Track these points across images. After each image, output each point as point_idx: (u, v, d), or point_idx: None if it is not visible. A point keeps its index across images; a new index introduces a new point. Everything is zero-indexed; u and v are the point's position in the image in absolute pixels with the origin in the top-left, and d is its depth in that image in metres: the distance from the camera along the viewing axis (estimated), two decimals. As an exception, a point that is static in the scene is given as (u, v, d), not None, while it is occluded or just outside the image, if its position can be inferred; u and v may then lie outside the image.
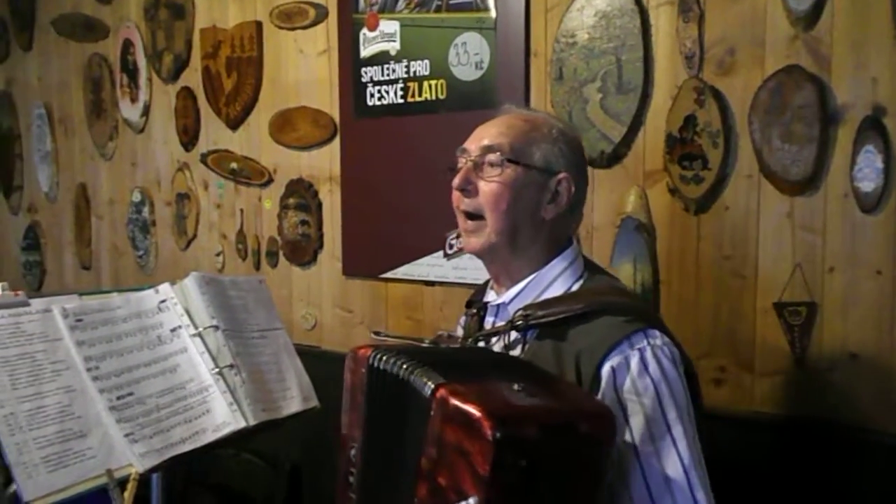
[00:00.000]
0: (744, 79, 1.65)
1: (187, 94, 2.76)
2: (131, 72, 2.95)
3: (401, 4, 2.18)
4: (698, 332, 1.71)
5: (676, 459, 1.12)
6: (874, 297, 1.52)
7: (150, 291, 1.54)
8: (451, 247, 2.13)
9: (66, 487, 1.24)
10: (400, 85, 2.20)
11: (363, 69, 2.27)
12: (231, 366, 1.50)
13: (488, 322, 1.36)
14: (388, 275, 2.27)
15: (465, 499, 0.95)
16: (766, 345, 1.64)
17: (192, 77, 2.75)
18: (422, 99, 2.16)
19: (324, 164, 2.42)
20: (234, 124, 2.63)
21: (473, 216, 1.30)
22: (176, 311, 1.53)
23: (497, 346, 1.29)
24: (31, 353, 1.32)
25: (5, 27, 3.44)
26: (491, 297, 1.38)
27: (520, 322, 1.23)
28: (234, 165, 2.64)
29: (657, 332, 1.19)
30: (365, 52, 2.27)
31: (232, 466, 2.40)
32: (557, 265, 1.31)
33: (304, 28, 2.42)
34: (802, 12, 1.56)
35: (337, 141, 2.37)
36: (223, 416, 1.45)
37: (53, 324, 1.37)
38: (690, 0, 1.69)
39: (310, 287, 2.49)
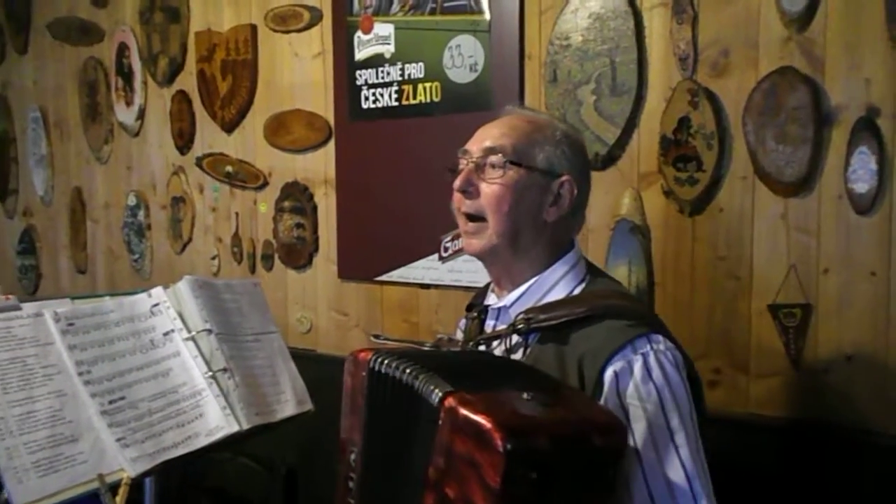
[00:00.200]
0: (738, 80, 1.65)
1: (182, 97, 2.76)
2: (126, 75, 2.95)
3: (395, 7, 2.18)
4: (693, 333, 1.71)
5: (679, 466, 1.11)
6: (868, 298, 1.52)
7: (143, 295, 1.53)
8: (446, 249, 2.12)
9: (57, 492, 1.23)
10: (394, 88, 2.20)
11: (358, 72, 2.27)
12: (224, 369, 1.49)
13: (489, 325, 1.36)
14: (384, 278, 2.26)
15: None
16: (761, 346, 1.64)
17: (187, 80, 2.75)
18: (416, 102, 2.16)
19: (319, 167, 2.42)
20: (229, 127, 2.63)
21: (474, 218, 1.29)
22: (169, 315, 1.52)
23: (498, 349, 1.28)
24: (22, 358, 1.31)
25: (1, 31, 3.43)
26: (492, 300, 1.37)
27: (521, 326, 1.22)
28: (229, 169, 2.64)
29: (660, 337, 1.19)
30: (359, 55, 2.26)
31: (228, 470, 2.39)
32: (559, 268, 1.30)
33: (299, 31, 2.42)
34: (796, 14, 1.56)
35: (332, 144, 2.37)
36: (216, 420, 1.44)
37: (45, 328, 1.36)
38: (684, 2, 1.69)
39: (305, 290, 2.48)
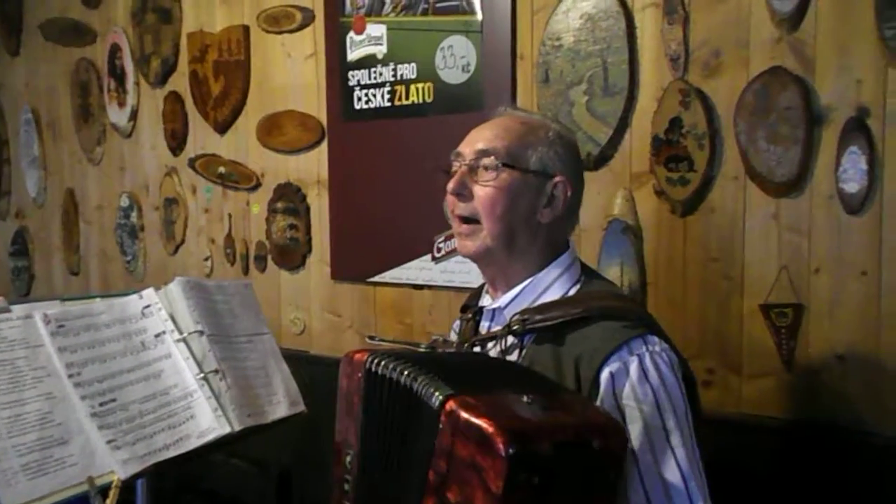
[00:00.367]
0: (729, 80, 1.65)
1: (175, 98, 2.75)
2: (119, 76, 2.94)
3: (387, 8, 2.18)
4: (686, 334, 1.71)
5: (675, 466, 1.11)
6: (860, 297, 1.52)
7: (134, 297, 1.53)
8: (439, 250, 2.12)
9: (47, 495, 1.23)
10: (387, 88, 2.20)
11: (350, 72, 2.26)
12: (216, 371, 1.49)
13: (484, 327, 1.35)
14: (377, 279, 2.26)
15: None
16: (754, 346, 1.64)
17: (180, 81, 2.74)
18: (409, 102, 2.15)
19: (311, 167, 2.41)
20: (221, 128, 2.63)
21: (468, 220, 1.28)
22: (160, 317, 1.51)
23: (493, 350, 1.28)
24: (12, 360, 1.31)
25: (-7, 32, 3.43)
26: (486, 301, 1.36)
27: (517, 327, 1.22)
28: (221, 170, 2.63)
29: (656, 338, 1.19)
30: (352, 56, 2.26)
31: (221, 472, 2.39)
32: (554, 269, 1.29)
33: (291, 32, 2.42)
34: (786, 14, 1.56)
35: (324, 145, 2.37)
36: (208, 422, 1.44)
37: (34, 330, 1.35)
38: (675, 2, 1.69)
39: (298, 291, 2.48)
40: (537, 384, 1.10)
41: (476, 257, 1.31)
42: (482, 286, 1.41)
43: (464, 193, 1.28)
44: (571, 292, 1.28)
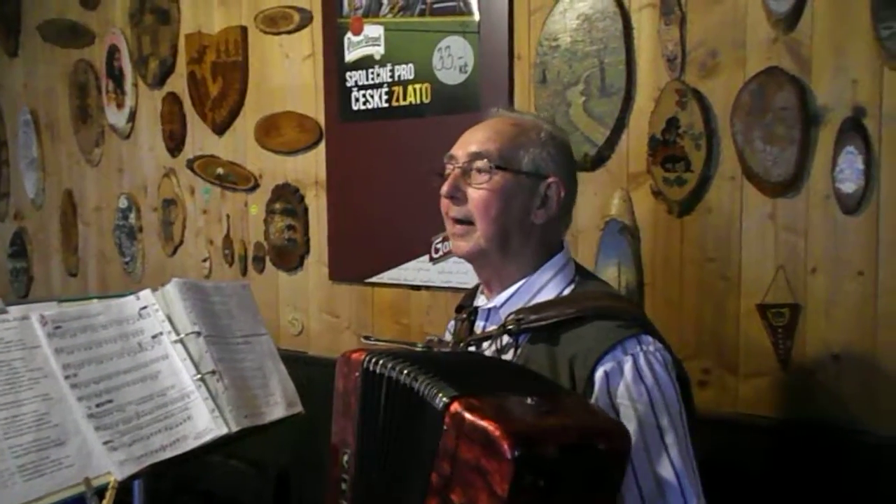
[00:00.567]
0: (725, 81, 1.65)
1: (173, 99, 2.75)
2: (117, 77, 2.94)
3: (385, 8, 2.18)
4: (683, 334, 1.71)
5: (669, 465, 1.12)
6: (856, 297, 1.52)
7: (132, 298, 1.53)
8: (436, 251, 2.12)
9: (43, 496, 1.23)
10: (385, 89, 2.20)
11: (348, 73, 2.27)
12: (213, 372, 1.49)
13: (479, 326, 1.35)
14: (375, 279, 2.26)
15: None
16: (750, 346, 1.64)
17: (178, 82, 2.74)
18: (406, 103, 2.16)
19: (309, 168, 2.41)
20: (219, 129, 2.63)
21: (463, 222, 1.29)
22: (157, 318, 1.52)
23: (489, 350, 1.28)
24: (8, 361, 1.31)
25: (-9, 33, 3.43)
26: (481, 301, 1.37)
27: (512, 326, 1.22)
28: (220, 171, 2.64)
29: (650, 338, 1.19)
30: (349, 57, 2.26)
31: (219, 473, 2.39)
32: (549, 269, 1.30)
33: (289, 33, 2.42)
34: (782, 14, 1.56)
35: (322, 145, 2.37)
36: (205, 423, 1.44)
37: (31, 331, 1.35)
38: (672, 3, 1.69)
39: (296, 292, 2.48)
40: (536, 384, 1.10)
41: (470, 258, 1.31)
42: (477, 286, 1.42)
43: (457, 196, 1.28)
44: (566, 292, 1.29)
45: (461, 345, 1.33)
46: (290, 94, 2.44)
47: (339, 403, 1.22)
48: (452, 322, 1.47)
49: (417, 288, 2.18)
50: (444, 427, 0.99)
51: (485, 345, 1.30)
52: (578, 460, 0.96)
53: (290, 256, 2.48)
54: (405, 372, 1.09)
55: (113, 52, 2.95)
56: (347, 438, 1.20)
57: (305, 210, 2.43)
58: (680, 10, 1.69)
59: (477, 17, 2.00)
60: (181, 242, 2.80)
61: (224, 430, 1.44)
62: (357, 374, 1.18)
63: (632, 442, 1.08)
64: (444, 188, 1.29)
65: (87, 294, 3.08)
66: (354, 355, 1.19)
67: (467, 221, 1.28)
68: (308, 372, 1.80)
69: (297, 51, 2.41)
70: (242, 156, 2.58)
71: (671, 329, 1.69)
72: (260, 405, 1.57)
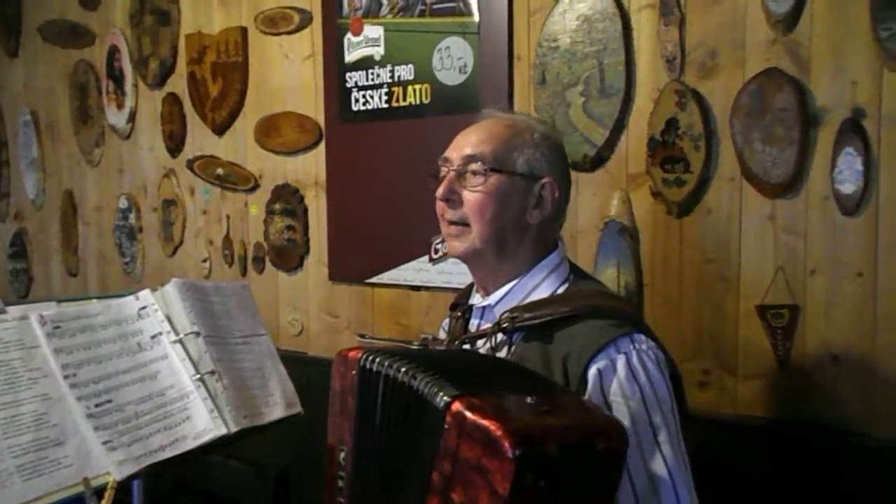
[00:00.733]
0: (725, 81, 1.65)
1: (173, 99, 2.76)
2: (117, 78, 2.95)
3: (384, 9, 2.18)
4: (682, 335, 1.71)
5: (661, 461, 1.14)
6: (855, 299, 1.52)
7: (131, 298, 1.53)
8: (436, 251, 2.12)
9: (42, 496, 1.23)
10: (384, 89, 2.20)
11: (348, 74, 2.27)
12: (212, 372, 1.49)
13: (473, 324, 1.36)
14: (374, 280, 2.26)
15: None
16: (749, 347, 1.64)
17: (178, 83, 2.75)
18: (406, 103, 2.16)
19: (309, 169, 2.41)
20: (219, 130, 2.63)
21: (458, 223, 1.30)
22: (156, 318, 1.52)
23: (483, 348, 1.29)
24: (7, 361, 1.31)
25: (-9, 34, 3.43)
26: (476, 299, 1.38)
27: (507, 324, 1.23)
28: (220, 171, 2.64)
29: (642, 336, 1.20)
30: (349, 57, 2.27)
31: (218, 473, 2.39)
32: (543, 268, 1.31)
33: (289, 33, 2.42)
34: (782, 15, 1.56)
35: (322, 146, 2.37)
36: (204, 423, 1.44)
37: (31, 331, 1.35)
38: (671, 3, 1.69)
39: (296, 292, 2.48)
40: (533, 382, 1.11)
41: (465, 258, 1.32)
42: (471, 285, 1.43)
43: (453, 199, 1.29)
44: (560, 291, 1.30)
45: (456, 342, 1.34)
46: (289, 95, 2.44)
47: (335, 402, 1.22)
48: (447, 320, 1.48)
49: (417, 288, 2.18)
50: (446, 426, 0.99)
51: (479, 343, 1.31)
52: (579, 459, 0.96)
53: (289, 257, 2.48)
54: (403, 370, 1.09)
55: (113, 52, 2.95)
56: (344, 437, 1.20)
57: (305, 210, 2.43)
58: (679, 11, 1.69)
59: (477, 17, 2.00)
60: (181, 243, 2.80)
61: (223, 431, 1.44)
62: (354, 372, 1.18)
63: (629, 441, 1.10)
64: (440, 191, 1.30)
65: (86, 294, 3.08)
66: (351, 353, 1.19)
67: (463, 223, 1.29)
68: (307, 372, 1.80)
69: (296, 51, 2.42)
70: (242, 156, 2.58)
71: (670, 330, 1.69)
72: (259, 405, 1.57)
